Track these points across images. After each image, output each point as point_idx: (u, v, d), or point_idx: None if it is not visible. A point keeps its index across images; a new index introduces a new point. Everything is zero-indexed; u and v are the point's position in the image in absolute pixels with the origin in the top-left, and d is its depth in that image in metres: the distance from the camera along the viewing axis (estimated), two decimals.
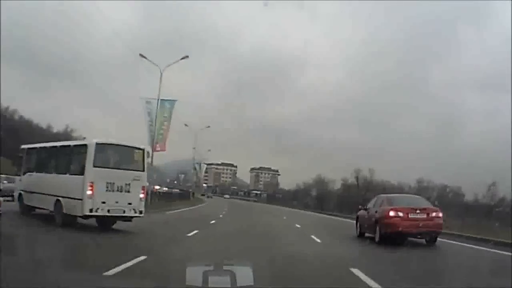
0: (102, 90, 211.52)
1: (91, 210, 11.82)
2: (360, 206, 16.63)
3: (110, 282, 4.51)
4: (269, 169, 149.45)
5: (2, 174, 23.74)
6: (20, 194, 15.26)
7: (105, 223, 12.98)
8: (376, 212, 13.78)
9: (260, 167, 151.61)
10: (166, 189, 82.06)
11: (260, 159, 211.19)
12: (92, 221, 12.82)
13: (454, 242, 14.52)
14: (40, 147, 15.46)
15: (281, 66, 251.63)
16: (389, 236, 12.78)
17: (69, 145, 14.11)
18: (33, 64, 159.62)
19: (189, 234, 13.00)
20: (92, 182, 11.86)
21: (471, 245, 13.66)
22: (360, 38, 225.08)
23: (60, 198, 12.59)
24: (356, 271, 7.48)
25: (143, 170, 12.99)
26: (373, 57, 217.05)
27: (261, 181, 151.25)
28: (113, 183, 12.17)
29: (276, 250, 10.74)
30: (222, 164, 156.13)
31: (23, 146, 16.27)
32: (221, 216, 26.19)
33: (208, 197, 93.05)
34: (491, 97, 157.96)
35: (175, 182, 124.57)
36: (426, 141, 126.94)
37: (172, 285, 4.80)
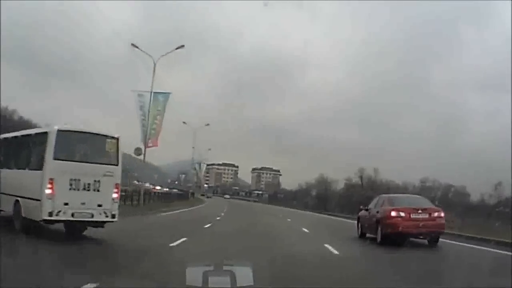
0: (103, 90, 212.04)
1: (50, 214, 9.66)
2: (361, 207, 16.57)
3: None
4: (270, 169, 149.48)
5: None
6: None
7: (74, 229, 10.90)
8: (377, 212, 13.73)
9: (262, 167, 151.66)
10: (167, 189, 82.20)
11: (261, 159, 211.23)
12: (61, 226, 10.80)
13: (455, 242, 14.47)
14: (3, 138, 12.80)
15: (282, 66, 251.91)
16: (390, 237, 12.71)
17: (30, 134, 11.74)
18: (33, 64, 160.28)
19: (173, 244, 10.44)
20: (52, 179, 9.72)
21: (471, 245, 13.63)
22: (360, 38, 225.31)
23: (19, 199, 10.44)
24: None
25: (117, 164, 10.71)
26: (374, 57, 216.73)
27: (262, 181, 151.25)
28: (79, 180, 10.02)
29: (290, 272, 7.62)
30: (223, 164, 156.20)
31: None
32: (218, 218, 24.00)
33: (208, 197, 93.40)
34: (492, 97, 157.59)
35: (176, 182, 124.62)
36: (430, 141, 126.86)
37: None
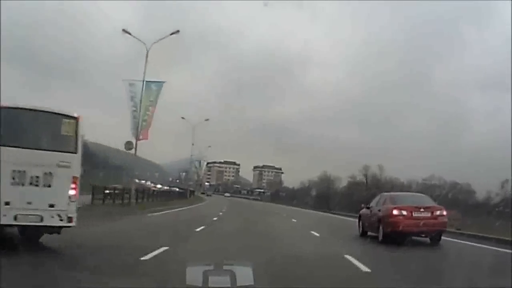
0: (103, 90, 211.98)
1: None
2: (362, 205, 16.54)
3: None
4: (272, 167, 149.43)
5: None
6: None
7: (30, 234, 8.77)
8: (379, 210, 13.67)
9: (263, 165, 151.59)
10: (167, 187, 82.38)
11: (263, 157, 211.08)
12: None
13: (456, 240, 14.41)
14: None
15: (283, 65, 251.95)
16: (392, 235, 12.65)
17: None
18: (33, 64, 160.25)
19: (146, 257, 8.11)
20: None
21: (472, 243, 13.58)
22: (361, 37, 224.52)
23: None
24: None
25: (76, 152, 8.51)
26: (375, 57, 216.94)
27: (264, 179, 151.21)
28: (24, 172, 7.88)
29: None
30: (225, 162, 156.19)
31: None
32: (215, 219, 21.82)
33: (207, 195, 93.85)
34: (494, 96, 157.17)
35: (178, 181, 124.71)
36: (434, 139, 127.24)
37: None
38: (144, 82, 25.21)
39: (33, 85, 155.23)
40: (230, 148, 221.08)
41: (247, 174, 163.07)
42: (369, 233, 14.73)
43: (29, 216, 7.91)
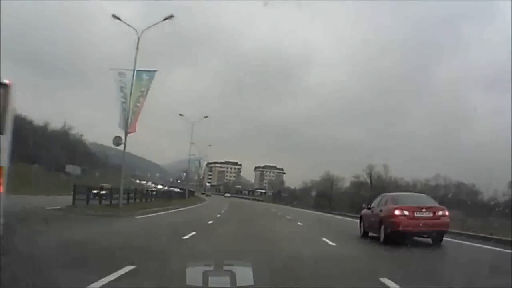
0: (104, 90, 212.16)
1: None
2: (364, 205, 16.41)
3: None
4: (274, 167, 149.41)
5: None
6: None
7: None
8: (380, 211, 13.59)
9: (265, 166, 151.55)
10: (166, 188, 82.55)
11: (264, 157, 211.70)
12: None
13: (459, 241, 14.34)
14: None
15: (285, 64, 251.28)
16: (394, 236, 12.53)
17: None
18: (34, 63, 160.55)
19: None
20: None
21: (472, 243, 13.59)
22: (362, 37, 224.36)
23: None
24: None
25: (2, 132, 6.32)
26: (377, 56, 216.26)
27: (265, 179, 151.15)
28: None
29: None
30: (226, 162, 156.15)
31: None
32: (210, 222, 19.10)
33: (207, 195, 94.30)
34: (498, 95, 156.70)
35: (178, 181, 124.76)
36: (439, 139, 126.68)
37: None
38: (135, 71, 23.63)
39: (33, 85, 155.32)
40: (231, 148, 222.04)
41: (248, 174, 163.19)
42: (370, 233, 14.64)
43: None
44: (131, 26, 24.33)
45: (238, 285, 3.17)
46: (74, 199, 21.88)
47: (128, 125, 23.45)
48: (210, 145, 78.13)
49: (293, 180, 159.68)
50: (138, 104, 23.87)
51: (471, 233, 16.19)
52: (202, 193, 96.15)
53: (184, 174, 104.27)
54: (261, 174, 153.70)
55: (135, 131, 24.18)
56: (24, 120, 64.17)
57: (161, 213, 25.00)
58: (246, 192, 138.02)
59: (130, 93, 23.31)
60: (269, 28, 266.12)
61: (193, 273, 3.26)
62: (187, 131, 57.98)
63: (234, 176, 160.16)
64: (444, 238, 12.97)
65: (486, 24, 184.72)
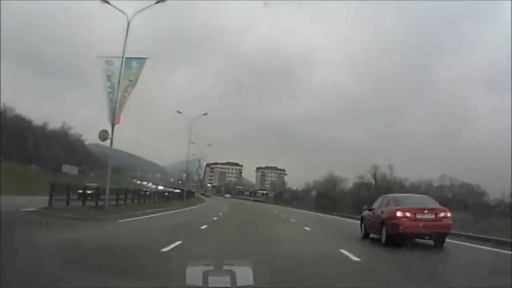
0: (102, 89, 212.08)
1: None
2: (365, 206, 16.37)
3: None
4: (275, 168, 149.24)
5: None
6: None
7: None
8: (382, 212, 13.54)
9: (266, 167, 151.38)
10: (165, 188, 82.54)
11: (265, 157, 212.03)
12: None
13: (460, 242, 14.28)
14: None
15: (285, 65, 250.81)
16: (395, 237, 12.44)
17: None
18: (33, 63, 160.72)
19: None
20: None
21: (472, 244, 13.60)
22: (362, 37, 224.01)
23: None
24: None
25: None
26: (378, 56, 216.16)
27: (267, 180, 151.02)
28: None
29: None
30: (227, 163, 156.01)
31: None
32: (204, 227, 17.01)
33: (206, 196, 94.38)
34: (499, 95, 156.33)
35: (179, 182, 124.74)
36: (444, 139, 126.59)
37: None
38: (124, 59, 21.89)
39: (33, 85, 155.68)
40: (231, 148, 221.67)
41: (249, 175, 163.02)
42: (371, 235, 14.60)
43: None
44: (120, 10, 22.58)
45: (238, 285, 3.16)
46: (50, 199, 19.52)
47: (114, 117, 21.71)
48: (210, 145, 77.30)
49: (294, 181, 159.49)
50: (125, 94, 22.17)
51: (471, 234, 16.14)
52: (202, 194, 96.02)
53: (185, 175, 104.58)
54: (263, 175, 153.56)
55: (119, 123, 22.21)
56: (23, 120, 64.37)
57: (153, 215, 23.18)
58: (248, 193, 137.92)
59: (118, 82, 21.69)
60: (269, 28, 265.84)
61: (193, 273, 3.25)
62: (187, 130, 57.06)
63: (235, 177, 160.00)
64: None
65: (487, 24, 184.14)
